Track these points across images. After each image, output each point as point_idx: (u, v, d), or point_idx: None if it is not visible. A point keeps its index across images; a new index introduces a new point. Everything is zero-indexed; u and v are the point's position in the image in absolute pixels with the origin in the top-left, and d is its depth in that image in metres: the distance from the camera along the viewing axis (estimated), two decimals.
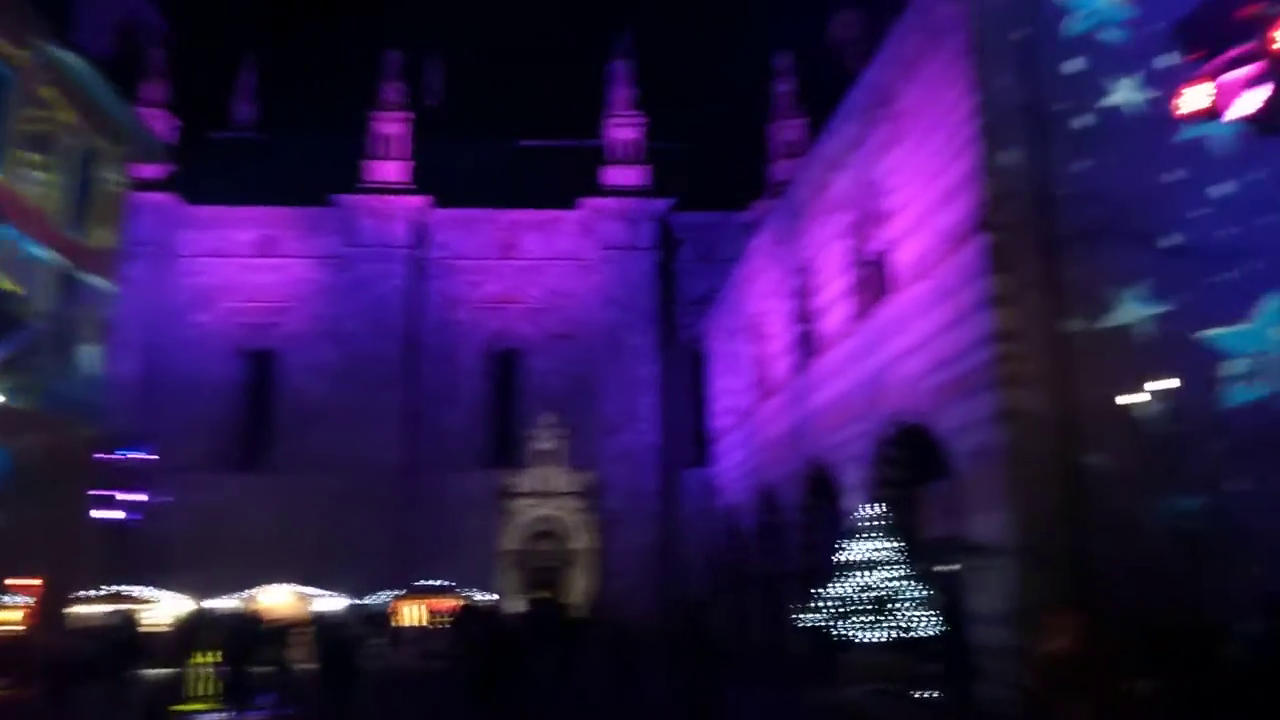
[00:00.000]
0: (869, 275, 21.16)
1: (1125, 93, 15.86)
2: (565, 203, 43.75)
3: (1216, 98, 5.08)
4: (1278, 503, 14.07)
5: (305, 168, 42.54)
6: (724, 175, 44.05)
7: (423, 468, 40.95)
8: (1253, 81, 4.92)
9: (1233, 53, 4.97)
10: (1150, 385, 14.40)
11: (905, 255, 18.79)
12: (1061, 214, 15.58)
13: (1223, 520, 13.98)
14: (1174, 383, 14.03)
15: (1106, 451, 14.64)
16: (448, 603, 30.17)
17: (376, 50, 45.75)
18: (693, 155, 44.67)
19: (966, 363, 16.00)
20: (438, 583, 32.94)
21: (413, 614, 31.83)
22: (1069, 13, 16.24)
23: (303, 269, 43.39)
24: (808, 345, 25.56)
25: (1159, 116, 14.03)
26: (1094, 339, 15.18)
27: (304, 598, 30.38)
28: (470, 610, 18.68)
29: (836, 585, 17.75)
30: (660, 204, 43.53)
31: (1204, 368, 15.07)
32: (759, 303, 30.58)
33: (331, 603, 30.94)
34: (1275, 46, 4.66)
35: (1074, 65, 16.10)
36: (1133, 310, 15.27)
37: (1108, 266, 15.37)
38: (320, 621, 21.60)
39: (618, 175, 44.22)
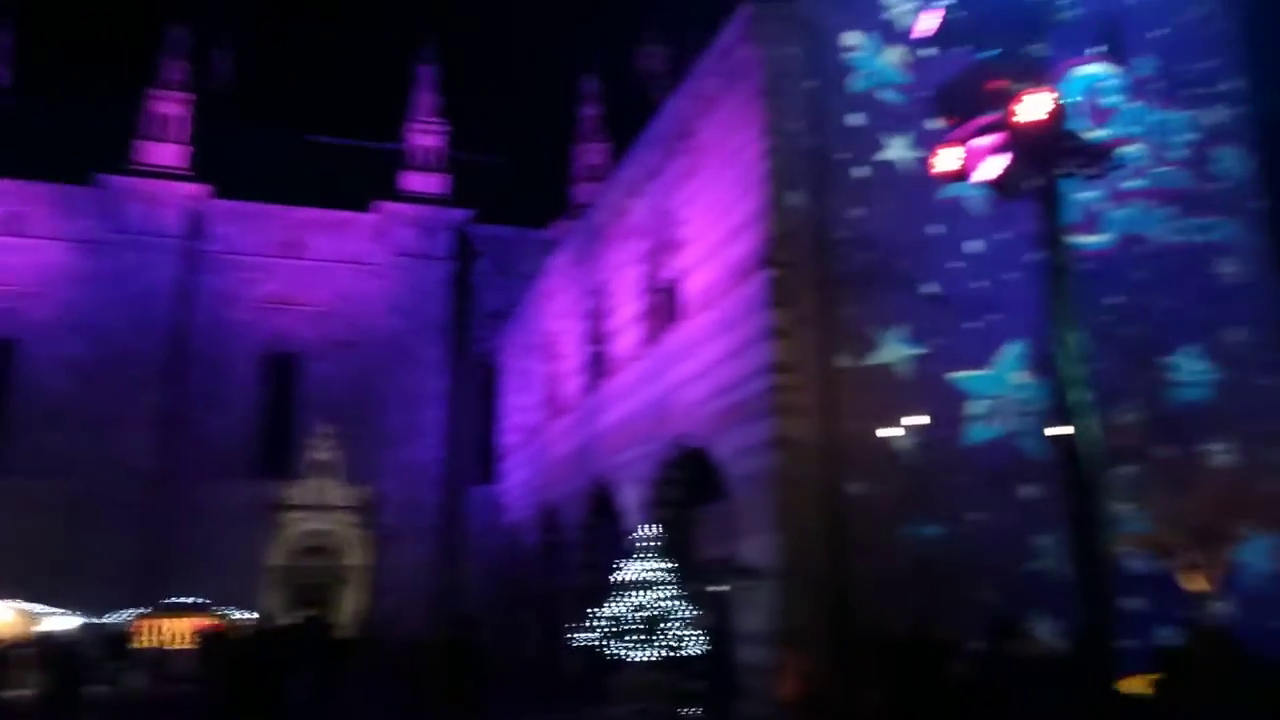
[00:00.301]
0: (660, 302, 21.72)
1: (898, 149, 17.17)
2: (359, 205, 42.25)
3: (965, 161, 5.56)
4: (1008, 533, 15.54)
5: (67, 142, 38.81)
6: (527, 192, 44.04)
7: (183, 475, 38.04)
8: (996, 150, 5.42)
9: (981, 121, 5.47)
10: (906, 420, 15.62)
11: (695, 285, 19.43)
12: (837, 256, 16.62)
13: (961, 547, 15.28)
14: (926, 419, 15.26)
15: (865, 479, 15.66)
16: (200, 622, 28.04)
17: (161, 24, 42.57)
18: (497, 169, 44.39)
19: (745, 391, 16.70)
20: (191, 600, 30.55)
21: (158, 634, 29.32)
22: (853, 70, 17.42)
23: (55, 252, 39.43)
24: (599, 366, 25.86)
25: (925, 174, 15.30)
26: (860, 375, 16.24)
27: (29, 615, 27.34)
28: (218, 630, 17.44)
29: (611, 604, 17.94)
30: (459, 214, 42.89)
31: (952, 406, 16.46)
32: (554, 321, 30.68)
33: (64, 621, 28.02)
34: (1015, 119, 5.17)
35: (855, 119, 17.27)
36: (895, 350, 16.46)
37: (875, 308, 16.52)
38: (47, 642, 19.49)
39: (417, 181, 43.22)
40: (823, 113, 17.08)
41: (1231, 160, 18.83)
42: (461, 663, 13.68)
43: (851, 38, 17.49)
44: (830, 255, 16.60)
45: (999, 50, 5.37)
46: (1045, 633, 13.30)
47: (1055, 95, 5.01)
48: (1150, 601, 14.80)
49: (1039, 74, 5.26)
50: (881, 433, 15.62)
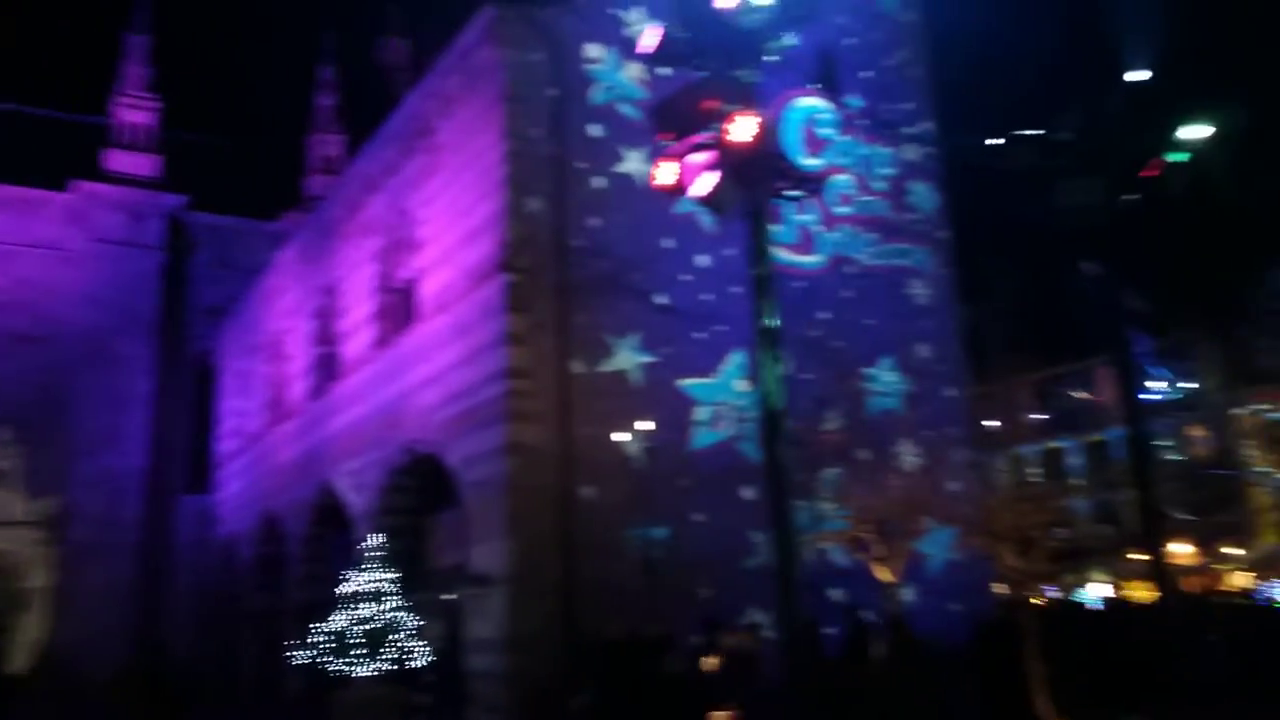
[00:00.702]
0: (395, 303, 21.04)
1: (635, 162, 17.69)
2: (53, 183, 37.62)
3: (682, 177, 5.78)
4: (729, 532, 16.41)
5: None
6: (255, 180, 41.10)
7: None
8: (708, 167, 5.69)
9: (696, 138, 5.72)
10: (637, 425, 16.10)
11: (431, 287, 18.99)
12: (574, 264, 16.87)
13: (685, 547, 15.96)
14: (654, 424, 15.81)
15: (597, 484, 15.97)
16: None
17: None
18: (220, 154, 41.11)
19: (479, 396, 16.52)
20: None
21: None
22: (595, 82, 17.77)
23: None
24: (328, 369, 24.63)
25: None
26: (593, 381, 16.56)
27: None
28: None
29: (336, 618, 17.10)
30: (172, 199, 39.18)
31: (680, 412, 17.18)
32: (280, 320, 28.87)
33: None
34: (727, 139, 5.44)
35: (596, 130, 17.62)
36: (627, 358, 16.94)
37: (609, 316, 16.92)
38: None
39: (123, 161, 39.07)
40: (564, 121, 17.28)
41: (923, 194, 21.07)
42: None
43: (594, 50, 17.84)
44: (567, 263, 16.82)
45: (713, 71, 5.65)
46: (764, 625, 14.19)
47: (762, 119, 5.33)
48: (850, 592, 16.20)
49: (750, 98, 5.58)
50: (614, 438, 16.00)
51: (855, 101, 20.55)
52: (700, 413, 17.38)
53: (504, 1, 17.21)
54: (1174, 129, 7.97)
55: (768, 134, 5.47)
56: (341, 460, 22.39)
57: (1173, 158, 7.96)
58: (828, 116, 21.98)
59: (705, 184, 5.66)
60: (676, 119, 5.91)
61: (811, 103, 21.54)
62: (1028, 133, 8.30)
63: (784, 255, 19.10)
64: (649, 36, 5.71)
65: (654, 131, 6.04)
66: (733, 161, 5.55)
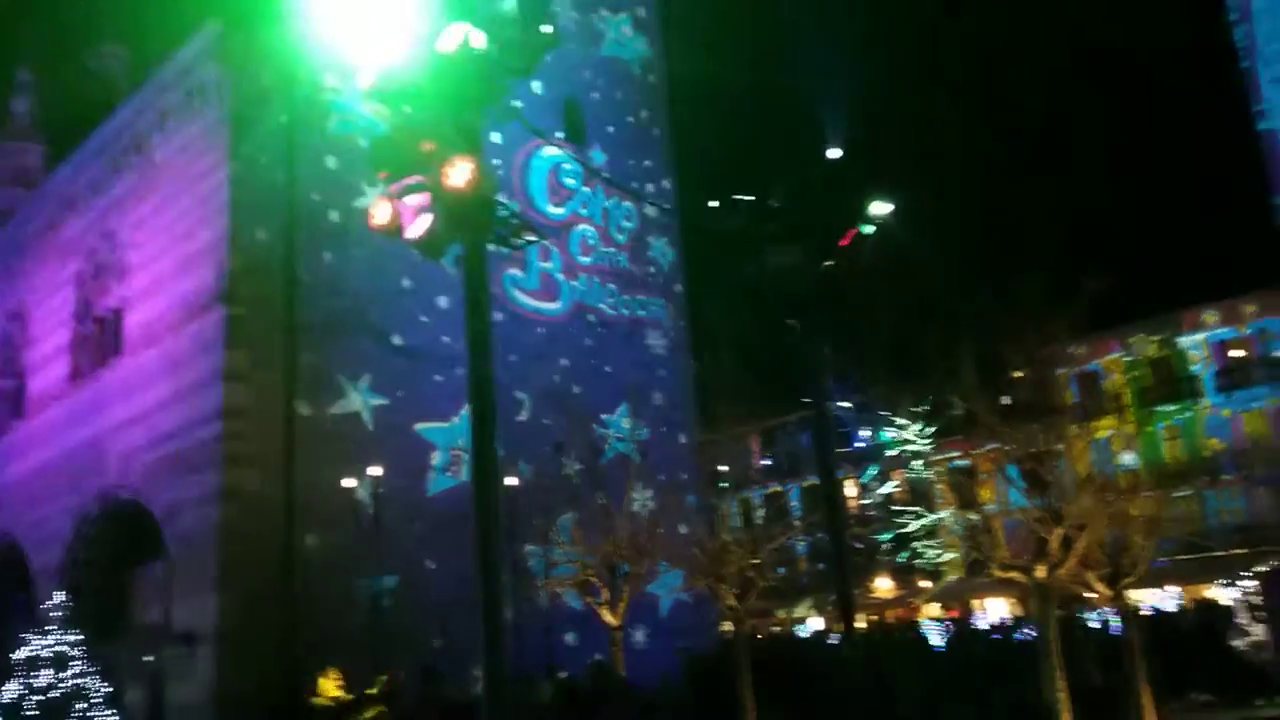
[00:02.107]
0: (95, 334, 19.01)
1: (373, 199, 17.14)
2: None
3: (400, 217, 5.63)
4: (463, 581, 15.96)
5: None
6: None
7: None
8: (421, 209, 5.58)
9: (412, 179, 5.60)
10: (368, 471, 15.41)
11: (139, 317, 17.35)
12: (306, 300, 16.02)
13: (417, 595, 15.40)
14: (385, 469, 15.23)
15: (323, 532, 15.10)
16: None
17: None
18: None
19: (190, 438, 15.20)
20: None
21: None
22: (332, 113, 17.07)
23: None
24: (13, 405, 21.79)
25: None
26: (321, 423, 15.72)
27: None
28: None
29: (7, 689, 14.95)
30: None
31: (416, 457, 16.67)
32: None
33: None
34: (445, 182, 5.37)
35: (332, 162, 16.90)
36: (359, 400, 16.25)
37: (343, 356, 16.18)
38: None
39: None
40: (297, 150, 16.47)
41: (661, 249, 21.97)
42: None
43: (333, 79, 17.18)
44: (297, 298, 15.95)
45: (434, 113, 5.59)
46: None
47: (476, 165, 5.32)
48: (581, 635, 16.28)
49: (469, 142, 5.55)
50: (342, 483, 15.23)
51: (599, 155, 21.17)
52: (437, 457, 16.96)
53: (233, 20, 16.23)
54: (866, 203, 8.86)
55: (485, 180, 5.44)
56: (24, 510, 19.79)
57: (864, 229, 8.85)
58: (572, 167, 22.55)
59: (419, 226, 5.52)
60: (393, 157, 5.75)
61: (556, 152, 21.99)
62: (742, 198, 8.92)
63: (527, 301, 19.23)
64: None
65: (374, 169, 5.85)
66: (448, 205, 5.46)
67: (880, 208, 8.89)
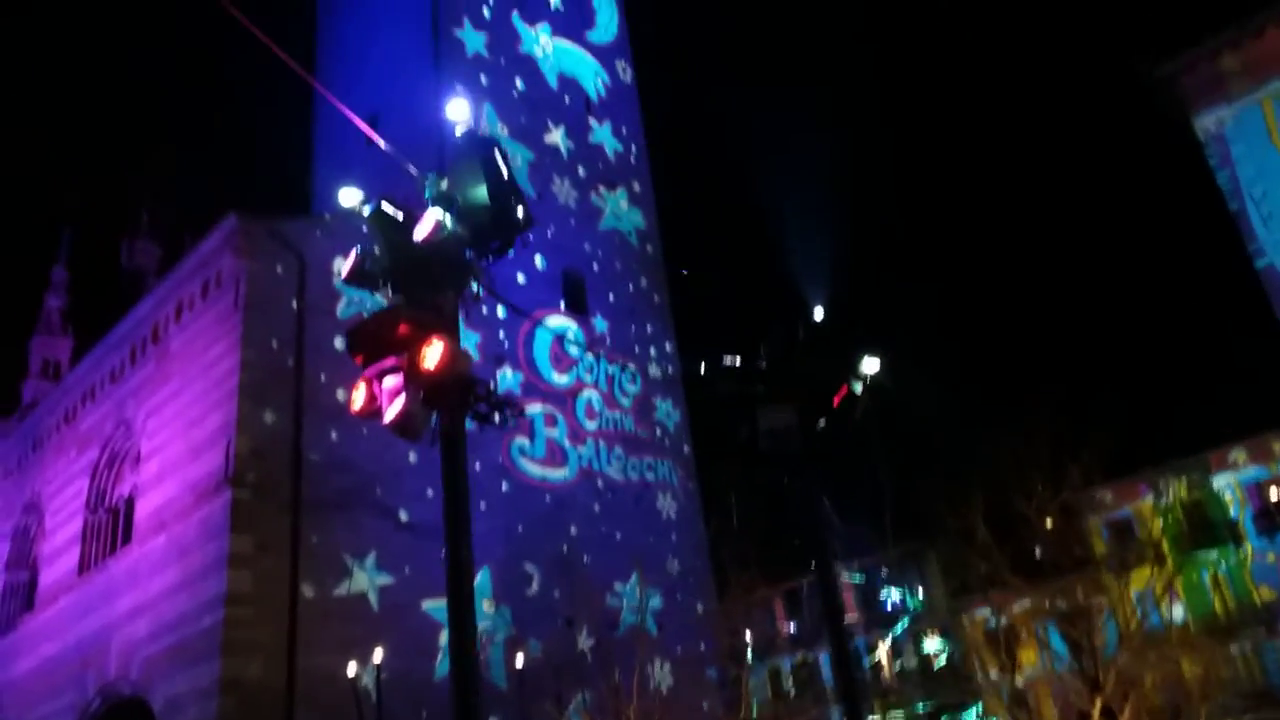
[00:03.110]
0: (106, 522, 19.00)
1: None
2: None
3: (378, 400, 5.68)
4: None
5: None
6: None
7: None
8: (396, 392, 5.63)
9: (388, 362, 5.68)
10: (376, 653, 14.91)
11: (150, 504, 17.36)
12: (311, 479, 16.01)
13: None
14: (391, 651, 14.74)
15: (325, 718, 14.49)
16: None
17: None
18: None
19: (193, 627, 14.88)
20: None
21: None
22: (341, 296, 17.61)
23: None
24: (26, 599, 21.55)
25: None
26: (326, 605, 15.39)
27: None
28: None
29: None
30: None
31: (423, 637, 16.17)
32: None
33: None
34: (420, 364, 5.43)
35: (341, 343, 17.25)
36: (365, 579, 15.97)
37: (349, 534, 16.02)
38: None
39: None
40: (307, 333, 16.89)
41: (666, 410, 22.03)
42: None
43: (341, 264, 17.78)
44: (304, 478, 15.96)
45: (410, 297, 5.73)
46: None
47: (448, 345, 5.39)
48: None
49: (445, 323, 5.65)
50: (347, 668, 14.72)
51: (601, 323, 21.57)
52: (445, 636, 16.43)
53: (249, 211, 17.03)
54: (856, 362, 8.86)
55: (459, 360, 5.51)
56: (25, 709, 19.21)
57: (856, 387, 8.82)
58: (576, 335, 22.93)
59: (394, 409, 5.57)
60: (369, 342, 5.86)
61: (560, 322, 22.48)
62: (730, 359, 8.96)
63: (534, 469, 19.15)
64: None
65: (350, 353, 5.94)
66: (423, 386, 5.51)
67: (871, 364, 8.90)
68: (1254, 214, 21.31)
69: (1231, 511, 29.84)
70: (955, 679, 26.71)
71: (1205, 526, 29.91)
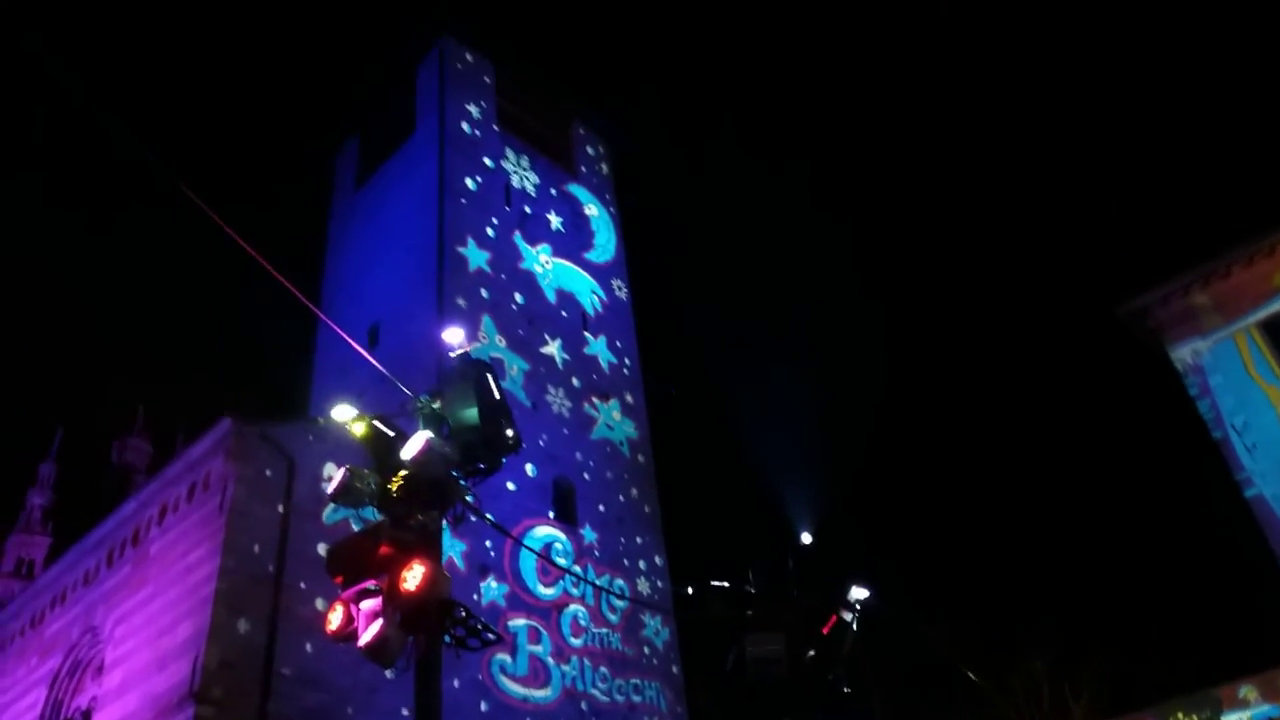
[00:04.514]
0: None
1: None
2: None
3: (355, 623, 5.56)
4: None
5: None
6: None
7: None
8: (374, 615, 5.52)
9: (367, 583, 5.60)
10: None
11: (107, 718, 16.44)
12: (283, 695, 15.25)
13: None
14: None
15: None
16: None
17: None
18: None
19: None
20: None
21: None
22: (326, 500, 17.46)
23: None
24: None
25: None
26: None
27: None
28: None
29: None
30: None
31: None
32: None
33: None
34: (400, 586, 5.35)
35: (324, 549, 16.93)
36: None
37: None
38: None
39: None
40: (290, 538, 16.60)
41: (655, 628, 21.32)
42: None
43: (331, 469, 17.77)
44: (273, 694, 15.20)
45: (391, 516, 5.72)
46: None
47: (429, 569, 5.33)
48: None
49: (429, 544, 5.60)
50: None
51: (590, 533, 21.28)
52: None
53: (243, 414, 17.17)
54: (845, 590, 8.75)
55: (439, 583, 5.43)
56: None
57: (845, 615, 8.65)
58: (564, 546, 22.65)
59: (371, 632, 5.44)
60: (350, 564, 5.81)
61: (549, 531, 22.19)
62: (719, 584, 8.84)
63: (515, 688, 18.31)
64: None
65: (329, 574, 5.87)
66: (401, 608, 5.41)
67: (860, 593, 8.79)
68: (1237, 443, 21.58)
69: None
70: None
71: None
